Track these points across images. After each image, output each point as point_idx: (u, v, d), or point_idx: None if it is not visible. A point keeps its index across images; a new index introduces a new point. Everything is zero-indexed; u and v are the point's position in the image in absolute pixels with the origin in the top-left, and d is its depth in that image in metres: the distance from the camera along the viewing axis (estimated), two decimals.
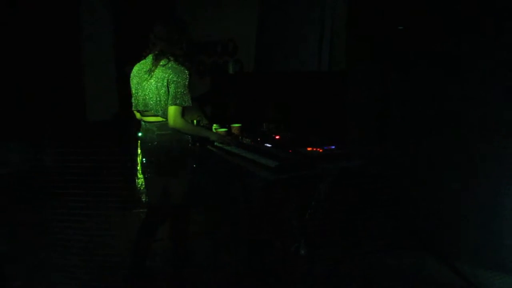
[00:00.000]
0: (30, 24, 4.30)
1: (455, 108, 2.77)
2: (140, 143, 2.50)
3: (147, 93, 2.39)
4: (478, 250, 2.75)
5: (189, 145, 2.48)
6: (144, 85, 2.40)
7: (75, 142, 2.81)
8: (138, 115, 2.59)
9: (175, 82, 2.31)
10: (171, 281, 2.61)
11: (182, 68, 2.36)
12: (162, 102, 2.35)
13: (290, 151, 2.77)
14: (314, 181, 3.01)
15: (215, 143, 3.11)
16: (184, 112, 2.37)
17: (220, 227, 3.52)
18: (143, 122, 2.50)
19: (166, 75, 2.32)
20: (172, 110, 2.33)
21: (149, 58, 2.41)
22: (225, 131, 3.33)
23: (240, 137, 3.16)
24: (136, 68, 2.47)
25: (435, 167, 2.89)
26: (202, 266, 2.87)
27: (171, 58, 2.37)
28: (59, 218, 2.73)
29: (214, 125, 3.52)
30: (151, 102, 2.38)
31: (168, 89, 2.33)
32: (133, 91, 2.48)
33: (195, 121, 3.91)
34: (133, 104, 2.51)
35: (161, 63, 2.35)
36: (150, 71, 2.36)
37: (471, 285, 2.54)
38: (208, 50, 4.90)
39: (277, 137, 3.08)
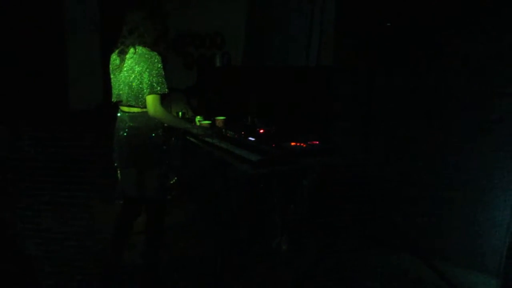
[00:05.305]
0: (11, 8, 4.19)
1: (441, 107, 2.77)
2: (114, 133, 2.43)
3: (119, 85, 2.34)
4: (457, 250, 2.77)
5: (161, 138, 2.39)
6: (117, 76, 2.35)
7: (56, 131, 2.74)
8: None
9: (147, 71, 2.24)
10: (146, 275, 2.56)
11: (153, 53, 2.27)
12: (135, 93, 2.28)
13: (274, 145, 2.74)
14: (298, 176, 3.00)
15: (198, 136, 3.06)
16: (162, 100, 2.30)
17: (200, 221, 3.48)
18: (119, 112, 2.43)
19: (136, 64, 2.25)
20: (150, 99, 2.27)
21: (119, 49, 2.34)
22: (209, 123, 3.29)
23: (223, 130, 3.12)
24: (111, 59, 2.40)
25: (417, 166, 2.90)
26: (180, 261, 2.83)
27: (138, 46, 2.29)
28: (38, 207, 2.66)
29: (198, 117, 3.47)
30: (122, 93, 2.33)
31: (141, 79, 2.25)
32: (111, 82, 2.42)
33: (180, 113, 3.86)
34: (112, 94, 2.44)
35: (129, 53, 2.28)
36: (120, 62, 2.31)
37: (449, 284, 2.55)
38: (195, 42, 4.84)
39: (261, 131, 3.05)
